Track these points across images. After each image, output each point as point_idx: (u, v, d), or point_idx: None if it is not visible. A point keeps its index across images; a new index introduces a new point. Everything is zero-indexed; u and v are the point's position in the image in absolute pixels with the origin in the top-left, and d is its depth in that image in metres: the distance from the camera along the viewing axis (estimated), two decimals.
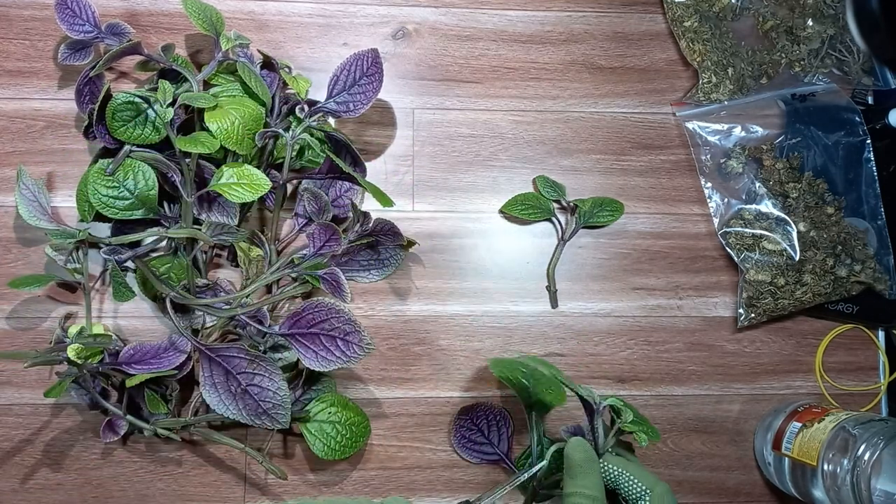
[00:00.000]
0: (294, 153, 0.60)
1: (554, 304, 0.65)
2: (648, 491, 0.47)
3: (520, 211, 0.64)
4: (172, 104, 0.55)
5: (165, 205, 0.58)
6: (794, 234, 0.65)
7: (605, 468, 0.49)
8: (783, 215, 0.65)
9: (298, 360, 0.55)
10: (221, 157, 0.59)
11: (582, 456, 0.48)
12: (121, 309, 0.62)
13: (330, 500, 0.45)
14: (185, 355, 0.56)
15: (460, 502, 0.49)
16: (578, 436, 0.51)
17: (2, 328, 0.61)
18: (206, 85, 0.60)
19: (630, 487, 0.48)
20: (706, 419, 0.65)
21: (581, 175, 0.67)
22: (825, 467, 0.55)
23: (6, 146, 0.63)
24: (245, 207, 0.61)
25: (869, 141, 0.66)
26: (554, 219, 0.65)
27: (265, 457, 0.58)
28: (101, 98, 0.54)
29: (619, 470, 0.48)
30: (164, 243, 0.59)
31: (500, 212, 0.65)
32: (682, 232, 0.67)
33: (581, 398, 0.54)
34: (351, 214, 0.58)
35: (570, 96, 0.68)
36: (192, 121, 0.59)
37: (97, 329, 0.59)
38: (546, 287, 0.65)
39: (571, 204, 0.65)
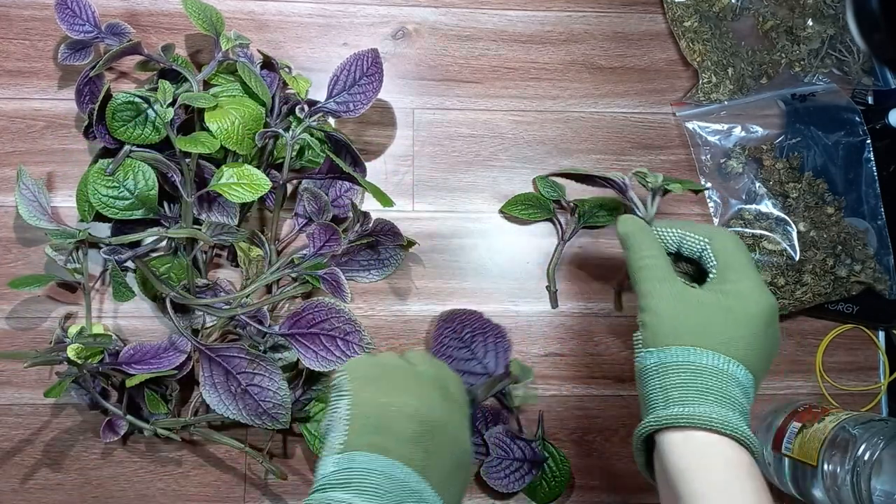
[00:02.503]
0: (294, 153, 0.60)
1: (554, 304, 0.65)
2: (708, 241, 0.46)
3: (520, 211, 0.64)
4: (172, 104, 0.55)
5: (165, 205, 0.58)
6: (794, 234, 0.65)
7: (660, 234, 0.47)
8: (783, 215, 0.65)
9: (298, 360, 0.55)
10: (221, 157, 0.59)
11: (632, 227, 0.47)
12: (121, 309, 0.62)
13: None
14: (185, 355, 0.56)
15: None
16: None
17: (2, 328, 0.61)
18: (206, 85, 0.60)
19: (690, 245, 0.46)
20: None
21: None
22: (825, 467, 0.55)
23: (6, 146, 0.63)
24: (245, 207, 0.61)
25: (869, 141, 0.66)
26: (554, 219, 0.65)
27: (265, 457, 0.58)
28: (101, 98, 0.54)
29: (673, 230, 0.47)
30: (164, 243, 0.59)
31: (501, 212, 0.65)
32: None
33: (607, 179, 0.53)
34: (351, 214, 0.58)
35: (570, 96, 0.68)
36: (192, 121, 0.59)
37: (97, 329, 0.59)
38: (546, 287, 0.65)
39: (571, 204, 0.65)
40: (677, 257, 0.48)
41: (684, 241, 0.47)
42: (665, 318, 0.43)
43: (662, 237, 0.47)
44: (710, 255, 0.45)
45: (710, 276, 0.45)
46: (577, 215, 0.65)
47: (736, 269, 0.44)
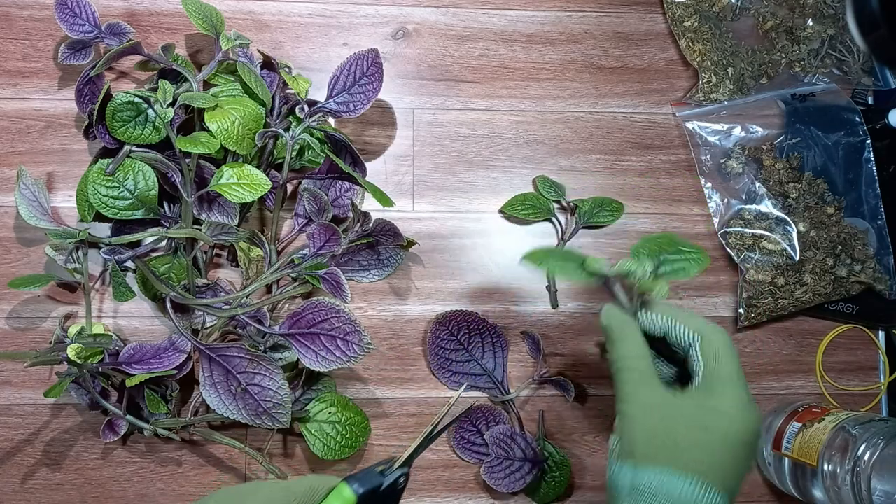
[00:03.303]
0: (294, 153, 0.60)
1: (554, 304, 0.65)
2: (699, 337, 0.44)
3: (520, 211, 0.64)
4: (172, 104, 0.55)
5: (165, 205, 0.58)
6: (794, 234, 0.65)
7: (651, 319, 0.45)
8: (783, 215, 0.65)
9: (298, 360, 0.55)
10: (221, 157, 0.59)
11: (616, 321, 0.45)
12: (121, 309, 0.62)
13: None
14: (185, 355, 0.56)
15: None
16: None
17: (2, 328, 0.61)
18: (206, 85, 0.60)
19: (679, 335, 0.44)
20: None
21: (581, 175, 0.67)
22: (825, 467, 0.55)
23: (6, 146, 0.63)
24: (245, 207, 0.61)
25: (869, 141, 0.66)
26: (554, 219, 0.65)
27: (265, 457, 0.58)
28: (101, 98, 0.54)
29: (663, 319, 0.45)
30: (164, 243, 0.59)
31: (501, 212, 0.65)
32: (682, 232, 0.67)
33: (590, 272, 0.47)
34: (351, 214, 0.58)
35: (570, 96, 0.68)
36: (192, 121, 0.59)
37: (97, 329, 0.59)
38: (546, 287, 0.65)
39: (571, 204, 0.65)
40: (663, 342, 0.46)
41: (672, 332, 0.45)
42: (641, 433, 0.42)
43: (652, 322, 0.46)
44: (698, 355, 0.44)
45: (695, 380, 0.43)
46: (577, 215, 0.65)
47: (722, 381, 0.42)
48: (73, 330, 0.57)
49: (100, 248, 0.56)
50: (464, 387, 0.52)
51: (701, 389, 0.43)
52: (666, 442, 0.41)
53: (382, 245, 0.62)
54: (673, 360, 0.48)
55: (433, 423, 0.46)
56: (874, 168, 0.66)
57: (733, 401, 0.42)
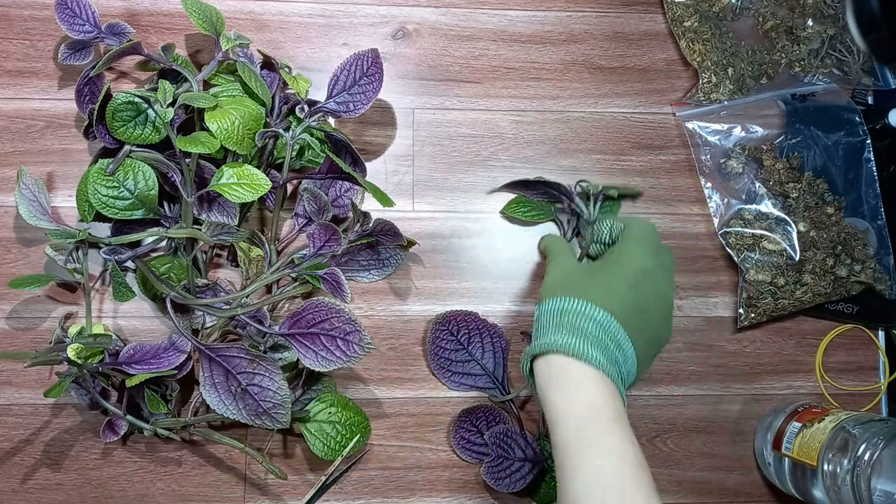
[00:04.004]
0: (294, 153, 0.60)
1: None
2: (624, 227, 0.55)
3: (522, 213, 0.64)
4: (172, 104, 0.55)
5: (165, 205, 0.58)
6: (794, 234, 0.65)
7: (597, 228, 0.57)
8: (783, 215, 0.65)
9: (298, 360, 0.55)
10: (221, 157, 0.59)
11: (549, 239, 0.60)
12: (121, 309, 0.62)
13: None
14: (185, 355, 0.56)
15: None
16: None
17: (2, 328, 0.61)
18: (206, 85, 0.60)
19: (616, 233, 0.56)
20: (706, 419, 0.65)
21: (581, 175, 0.67)
22: (825, 467, 0.55)
23: (6, 146, 0.63)
24: (245, 207, 0.61)
25: (869, 141, 0.66)
26: (556, 219, 0.65)
27: (265, 457, 0.58)
28: (101, 98, 0.54)
29: (605, 223, 0.57)
30: (164, 243, 0.59)
31: (501, 213, 0.65)
32: (682, 232, 0.67)
33: (556, 186, 0.62)
34: (351, 214, 0.58)
35: (570, 96, 0.68)
36: (192, 121, 0.59)
37: (97, 329, 0.59)
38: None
39: (579, 188, 0.64)
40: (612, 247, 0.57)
41: (613, 231, 0.56)
42: (550, 282, 0.52)
43: (597, 231, 0.57)
44: (622, 238, 0.54)
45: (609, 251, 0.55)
46: (577, 215, 0.65)
47: (626, 242, 0.53)
48: (73, 330, 0.57)
49: (100, 248, 0.56)
50: (351, 444, 0.58)
51: (608, 254, 0.55)
52: (565, 282, 0.51)
53: (382, 245, 0.62)
54: None
55: (328, 473, 0.58)
56: (874, 168, 0.66)
57: (626, 249, 0.52)
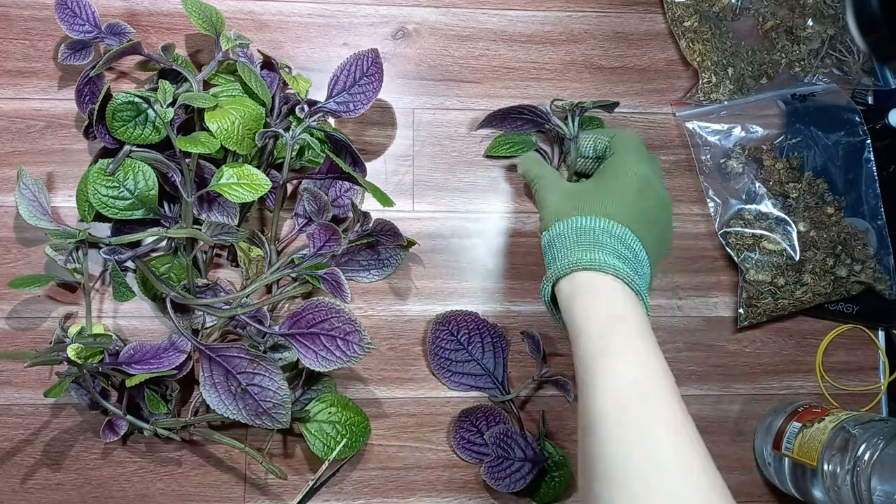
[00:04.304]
0: (294, 153, 0.60)
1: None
2: (610, 139, 0.55)
3: (506, 149, 0.65)
4: (172, 104, 0.55)
5: (165, 205, 0.58)
6: (794, 234, 0.65)
7: (581, 143, 0.58)
8: (783, 215, 0.65)
9: (298, 360, 0.55)
10: (221, 157, 0.59)
11: (528, 161, 0.57)
12: (121, 309, 0.62)
13: None
14: (185, 355, 0.56)
15: None
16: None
17: (2, 328, 0.61)
18: (206, 85, 0.60)
19: (600, 146, 0.57)
20: (706, 419, 0.65)
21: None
22: (825, 467, 0.55)
23: (6, 146, 0.63)
24: (245, 207, 0.61)
25: (869, 141, 0.66)
26: (539, 149, 0.65)
27: (265, 457, 0.58)
28: (101, 98, 0.54)
29: (589, 137, 0.57)
30: (164, 243, 0.59)
31: (485, 156, 0.65)
32: (682, 232, 0.67)
33: (530, 109, 0.62)
34: (351, 214, 0.58)
35: (570, 96, 0.68)
36: (192, 121, 0.59)
37: (97, 329, 0.59)
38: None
39: (568, 107, 0.63)
40: (599, 160, 0.57)
41: (597, 145, 0.57)
42: (552, 207, 0.51)
43: (581, 146, 0.58)
44: (610, 149, 0.54)
45: (602, 165, 0.54)
46: (560, 139, 0.63)
47: (619, 153, 0.53)
48: (73, 330, 0.57)
49: (100, 248, 0.56)
50: (337, 450, 0.57)
51: (603, 166, 0.53)
52: (570, 204, 0.50)
53: (382, 245, 0.62)
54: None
55: (315, 477, 0.59)
56: (874, 168, 0.66)
57: (622, 159, 0.52)
